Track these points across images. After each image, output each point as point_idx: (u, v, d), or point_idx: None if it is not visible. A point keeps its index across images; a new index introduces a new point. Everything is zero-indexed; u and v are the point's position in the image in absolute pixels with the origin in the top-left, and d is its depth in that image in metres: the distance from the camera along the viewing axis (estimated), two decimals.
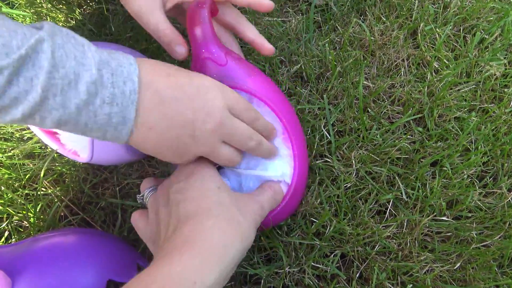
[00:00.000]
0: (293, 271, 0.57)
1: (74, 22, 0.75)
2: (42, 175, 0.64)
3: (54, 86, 0.36)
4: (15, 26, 0.35)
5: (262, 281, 0.57)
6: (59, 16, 0.76)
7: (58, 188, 0.65)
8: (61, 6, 0.76)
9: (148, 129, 0.41)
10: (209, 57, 0.48)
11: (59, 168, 0.66)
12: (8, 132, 0.71)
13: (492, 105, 0.66)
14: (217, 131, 0.43)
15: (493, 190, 0.61)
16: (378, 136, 0.64)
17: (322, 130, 0.65)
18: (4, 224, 0.63)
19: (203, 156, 0.46)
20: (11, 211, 0.63)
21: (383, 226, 0.59)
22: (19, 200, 0.64)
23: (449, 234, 0.59)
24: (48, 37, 0.36)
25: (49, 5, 0.76)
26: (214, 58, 0.48)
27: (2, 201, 0.64)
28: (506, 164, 0.62)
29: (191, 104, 0.42)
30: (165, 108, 0.41)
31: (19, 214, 0.64)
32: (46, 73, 0.35)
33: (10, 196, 0.64)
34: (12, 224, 0.63)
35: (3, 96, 0.34)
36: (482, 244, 0.58)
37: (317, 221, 0.59)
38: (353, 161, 0.62)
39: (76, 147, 0.59)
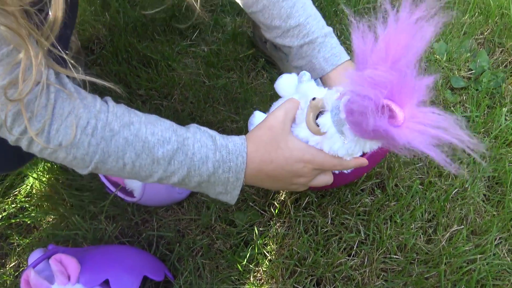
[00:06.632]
0: None
1: None
2: (105, 209, 0.89)
3: (193, 166, 0.58)
4: (169, 125, 0.59)
5: None
6: None
7: (112, 226, 0.89)
8: None
9: (256, 182, 0.63)
10: None
11: (114, 210, 0.91)
12: (80, 184, 0.97)
13: (435, 178, 0.89)
14: (306, 184, 0.63)
15: (433, 237, 0.81)
16: (349, 196, 0.86)
17: (309, 193, 0.88)
18: (71, 242, 0.87)
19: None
20: (79, 233, 0.87)
21: (349, 258, 0.79)
22: (83, 227, 0.88)
23: (399, 269, 0.78)
24: (191, 136, 0.59)
25: None
26: None
27: (70, 227, 0.88)
28: (443, 220, 0.83)
29: (286, 172, 0.61)
30: (268, 176, 0.62)
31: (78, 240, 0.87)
32: (189, 159, 0.58)
33: (77, 225, 0.89)
34: (76, 243, 0.87)
35: (166, 171, 0.58)
36: (424, 276, 0.77)
37: (300, 251, 0.79)
38: (329, 213, 0.84)
39: (134, 187, 0.85)
